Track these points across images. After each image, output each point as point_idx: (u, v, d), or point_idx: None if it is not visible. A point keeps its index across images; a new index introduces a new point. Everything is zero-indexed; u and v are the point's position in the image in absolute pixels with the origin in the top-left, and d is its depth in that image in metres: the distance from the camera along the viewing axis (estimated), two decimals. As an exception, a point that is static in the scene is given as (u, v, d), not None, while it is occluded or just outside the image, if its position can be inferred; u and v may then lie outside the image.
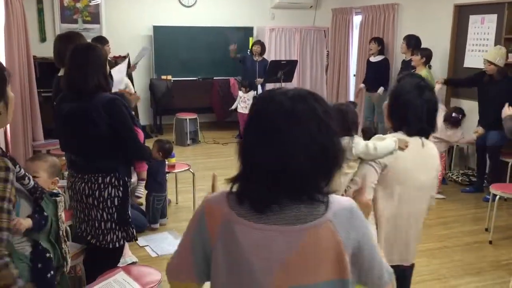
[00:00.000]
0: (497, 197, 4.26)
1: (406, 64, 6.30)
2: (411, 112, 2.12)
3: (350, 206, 1.19)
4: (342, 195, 2.08)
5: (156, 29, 8.00)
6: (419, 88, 2.12)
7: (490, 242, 4.24)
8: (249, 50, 7.86)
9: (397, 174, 2.14)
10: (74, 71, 2.59)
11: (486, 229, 4.48)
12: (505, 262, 3.87)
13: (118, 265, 2.86)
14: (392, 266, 2.24)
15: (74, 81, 2.58)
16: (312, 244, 1.13)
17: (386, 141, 2.10)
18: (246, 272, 1.15)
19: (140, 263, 3.63)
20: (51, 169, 2.37)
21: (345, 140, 2.11)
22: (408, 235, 2.24)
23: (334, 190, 1.71)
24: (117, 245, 2.73)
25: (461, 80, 5.87)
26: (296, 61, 7.82)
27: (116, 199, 2.67)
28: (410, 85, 2.14)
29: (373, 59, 7.11)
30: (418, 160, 2.17)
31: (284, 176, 1.12)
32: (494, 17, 5.86)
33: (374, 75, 6.99)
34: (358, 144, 2.15)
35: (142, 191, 3.45)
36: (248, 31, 8.59)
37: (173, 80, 8.06)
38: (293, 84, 8.58)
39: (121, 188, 2.68)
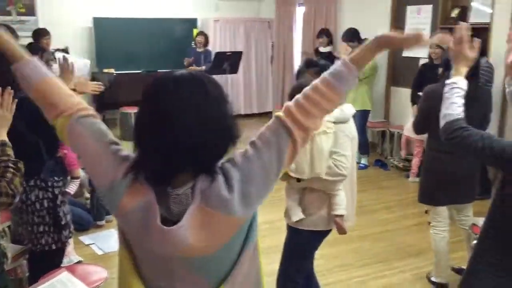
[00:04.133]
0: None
1: None
2: None
3: (210, 184, 1.18)
4: None
5: (97, 21, 7.75)
6: None
7: (429, 223, 4.44)
8: (193, 42, 7.78)
9: (355, 145, 2.45)
10: None
11: (426, 211, 4.68)
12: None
13: (61, 265, 2.78)
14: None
15: None
16: (198, 225, 1.17)
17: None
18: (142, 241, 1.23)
19: (86, 262, 3.54)
20: None
21: None
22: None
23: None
24: (53, 247, 2.64)
25: (416, 87, 5.67)
26: (241, 52, 7.82)
27: (45, 201, 2.58)
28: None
29: (322, 49, 7.13)
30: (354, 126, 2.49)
31: (176, 155, 1.15)
32: (429, 7, 6.10)
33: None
34: None
35: (73, 189, 3.39)
36: (192, 22, 8.49)
37: (116, 73, 7.86)
38: (239, 75, 8.60)
39: (49, 189, 2.59)
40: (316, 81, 1.26)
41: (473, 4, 5.70)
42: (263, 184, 1.23)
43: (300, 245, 2.56)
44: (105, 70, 7.80)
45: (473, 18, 5.66)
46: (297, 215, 2.44)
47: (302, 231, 2.48)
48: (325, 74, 1.27)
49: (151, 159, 1.18)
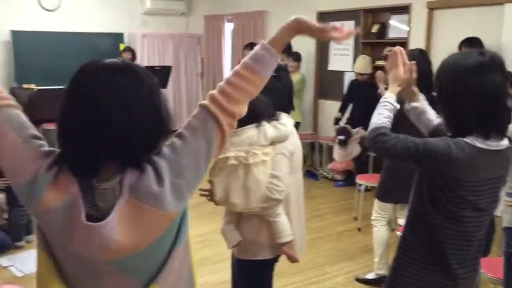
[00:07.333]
0: (363, 187, 4.60)
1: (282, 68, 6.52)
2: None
3: (140, 177, 1.13)
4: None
5: (15, 34, 7.35)
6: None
7: (359, 229, 4.56)
8: (119, 58, 7.58)
9: (298, 158, 2.28)
10: None
11: (355, 218, 4.81)
12: (372, 246, 4.18)
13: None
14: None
15: None
16: (128, 221, 1.11)
17: (282, 117, 2.17)
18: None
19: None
20: None
21: (252, 129, 2.04)
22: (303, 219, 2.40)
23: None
24: None
25: (345, 102, 6.03)
26: (171, 66, 7.74)
27: None
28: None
29: None
30: (296, 139, 2.32)
31: (102, 143, 1.09)
32: (351, 23, 6.35)
33: None
34: (267, 127, 2.08)
35: None
36: (118, 37, 8.29)
37: (38, 89, 7.48)
38: (169, 90, 8.48)
39: None
40: (238, 67, 1.26)
41: (391, 21, 6.03)
42: (193, 174, 1.19)
43: (245, 278, 2.30)
44: (25, 86, 7.40)
45: (392, 34, 5.99)
46: (232, 240, 2.20)
47: (245, 262, 2.24)
48: (246, 59, 1.27)
49: (76, 147, 1.12)
